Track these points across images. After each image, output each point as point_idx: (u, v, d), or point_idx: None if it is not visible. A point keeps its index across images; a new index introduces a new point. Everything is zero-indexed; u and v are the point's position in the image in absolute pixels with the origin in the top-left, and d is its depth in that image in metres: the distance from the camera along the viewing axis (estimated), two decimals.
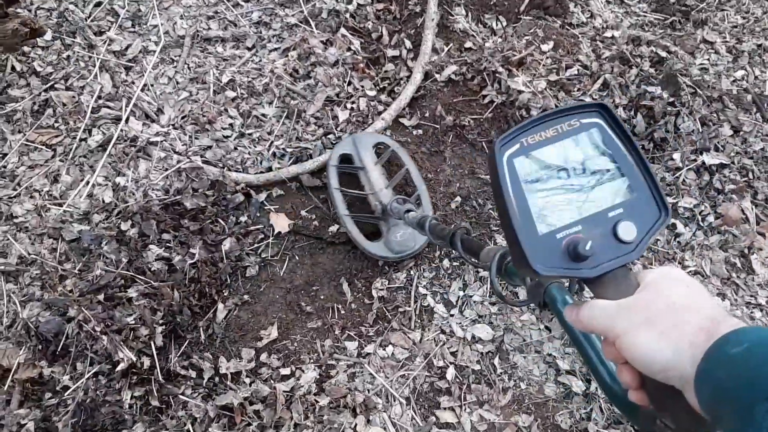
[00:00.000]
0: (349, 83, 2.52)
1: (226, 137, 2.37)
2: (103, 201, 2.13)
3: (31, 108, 2.32)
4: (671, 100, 2.33)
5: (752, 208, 2.24)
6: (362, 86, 2.51)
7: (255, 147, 2.36)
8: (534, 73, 2.45)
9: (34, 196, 2.15)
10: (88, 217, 2.10)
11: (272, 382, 1.90)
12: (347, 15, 2.67)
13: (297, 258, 2.18)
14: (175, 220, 2.08)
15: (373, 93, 2.50)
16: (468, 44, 2.59)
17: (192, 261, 2.01)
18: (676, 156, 2.27)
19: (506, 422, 1.87)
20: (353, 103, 2.47)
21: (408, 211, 1.86)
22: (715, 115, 2.34)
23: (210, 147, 2.31)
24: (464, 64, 2.49)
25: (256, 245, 2.17)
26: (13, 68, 2.38)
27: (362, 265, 2.17)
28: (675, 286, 0.58)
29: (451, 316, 2.06)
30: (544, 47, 2.53)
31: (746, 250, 2.18)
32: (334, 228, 2.22)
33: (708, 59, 2.55)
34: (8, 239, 2.05)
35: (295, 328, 2.04)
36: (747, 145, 2.33)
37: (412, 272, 2.15)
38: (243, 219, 2.19)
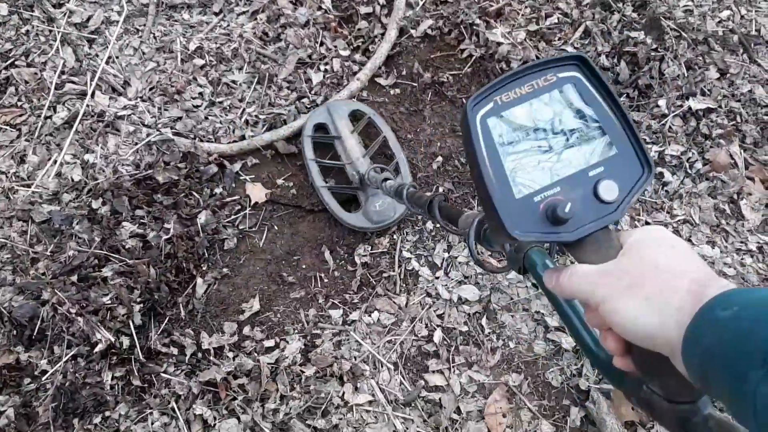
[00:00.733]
0: (322, 44, 2.42)
1: (196, 107, 2.28)
2: (73, 179, 2.06)
3: None
4: (655, 45, 2.25)
5: (741, 153, 2.18)
6: (335, 46, 2.41)
7: (227, 115, 2.28)
8: (513, 24, 2.36)
9: (1, 178, 2.08)
10: (58, 197, 2.03)
11: (256, 354, 1.86)
12: None
13: (276, 228, 2.12)
14: (147, 196, 2.02)
15: (346, 53, 2.39)
16: None
17: (167, 236, 1.95)
18: (662, 102, 2.20)
19: (496, 382, 1.85)
20: (326, 64, 2.37)
21: (385, 179, 1.80)
22: (700, 58, 2.26)
23: (180, 118, 2.22)
24: (440, 17, 2.39)
25: (233, 217, 2.11)
26: None
27: (344, 232, 2.12)
28: (659, 247, 0.55)
29: (437, 278, 2.02)
30: None
31: (735, 196, 2.12)
32: (314, 199, 2.16)
33: (692, 0, 2.45)
34: None
35: (277, 299, 2.00)
36: (734, 87, 2.25)
37: (395, 236, 2.10)
38: (218, 191, 2.12)
